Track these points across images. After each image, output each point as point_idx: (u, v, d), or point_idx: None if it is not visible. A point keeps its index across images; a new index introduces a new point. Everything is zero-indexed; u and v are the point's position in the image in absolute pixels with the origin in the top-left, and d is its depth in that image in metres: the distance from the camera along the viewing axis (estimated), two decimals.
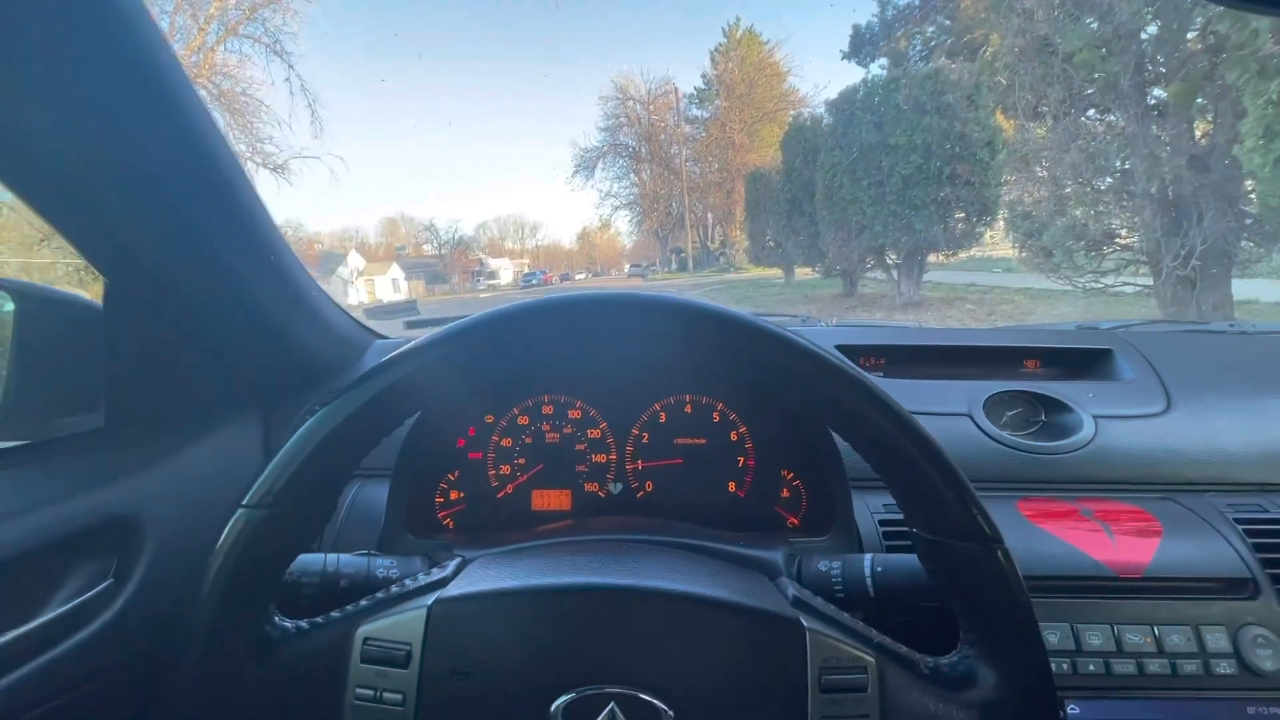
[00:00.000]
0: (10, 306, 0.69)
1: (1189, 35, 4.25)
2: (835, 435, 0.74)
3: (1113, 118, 4.93)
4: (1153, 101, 4.73)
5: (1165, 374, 0.93)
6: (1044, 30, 4.79)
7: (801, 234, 10.74)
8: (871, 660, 0.40)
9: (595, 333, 0.42)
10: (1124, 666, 0.62)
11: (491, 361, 0.42)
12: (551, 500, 0.79)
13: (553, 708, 0.38)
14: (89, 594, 0.57)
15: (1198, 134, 4.73)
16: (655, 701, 0.38)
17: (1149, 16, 4.40)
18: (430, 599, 0.41)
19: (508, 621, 0.40)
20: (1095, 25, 4.63)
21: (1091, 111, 5.12)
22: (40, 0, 0.41)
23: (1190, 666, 0.62)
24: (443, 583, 0.43)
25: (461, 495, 0.79)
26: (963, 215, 8.22)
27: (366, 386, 0.41)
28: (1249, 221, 4.60)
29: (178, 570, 0.65)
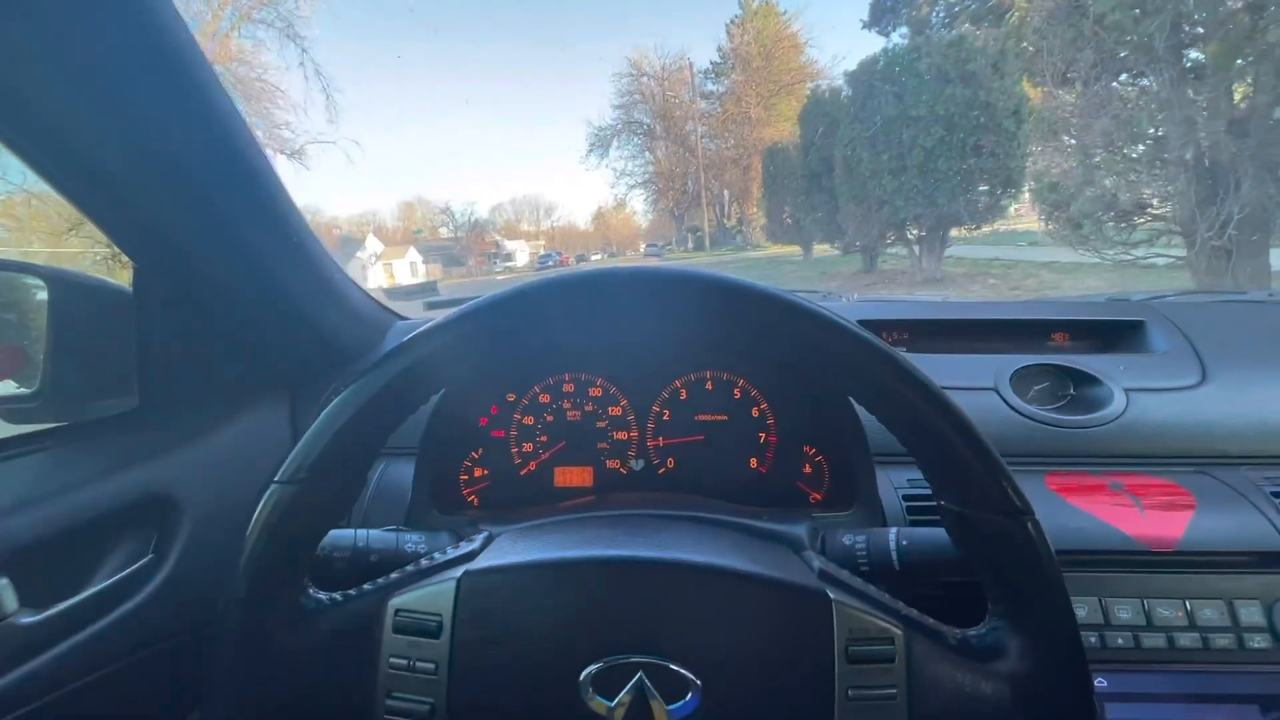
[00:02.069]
0: (44, 293, 0.71)
1: None
2: (859, 409, 0.74)
3: (1146, 82, 4.73)
4: (1189, 64, 4.52)
5: (1200, 345, 0.90)
6: None
7: (820, 210, 10.56)
8: (899, 632, 0.40)
9: (619, 308, 0.41)
10: (1154, 640, 0.62)
11: (517, 336, 0.42)
12: (574, 477, 0.80)
13: (581, 676, 0.39)
14: (131, 568, 0.60)
15: (1236, 97, 4.53)
16: (683, 671, 0.38)
17: None
18: (459, 571, 0.42)
19: (536, 593, 0.41)
20: None
21: (1124, 76, 4.93)
22: None
23: (1223, 640, 0.61)
24: (470, 556, 0.44)
25: (485, 472, 0.80)
26: (986, 188, 8.00)
27: (394, 362, 0.41)
28: None
29: (213, 546, 0.67)
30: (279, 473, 0.42)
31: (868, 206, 8.66)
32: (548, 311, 0.41)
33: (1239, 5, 4.17)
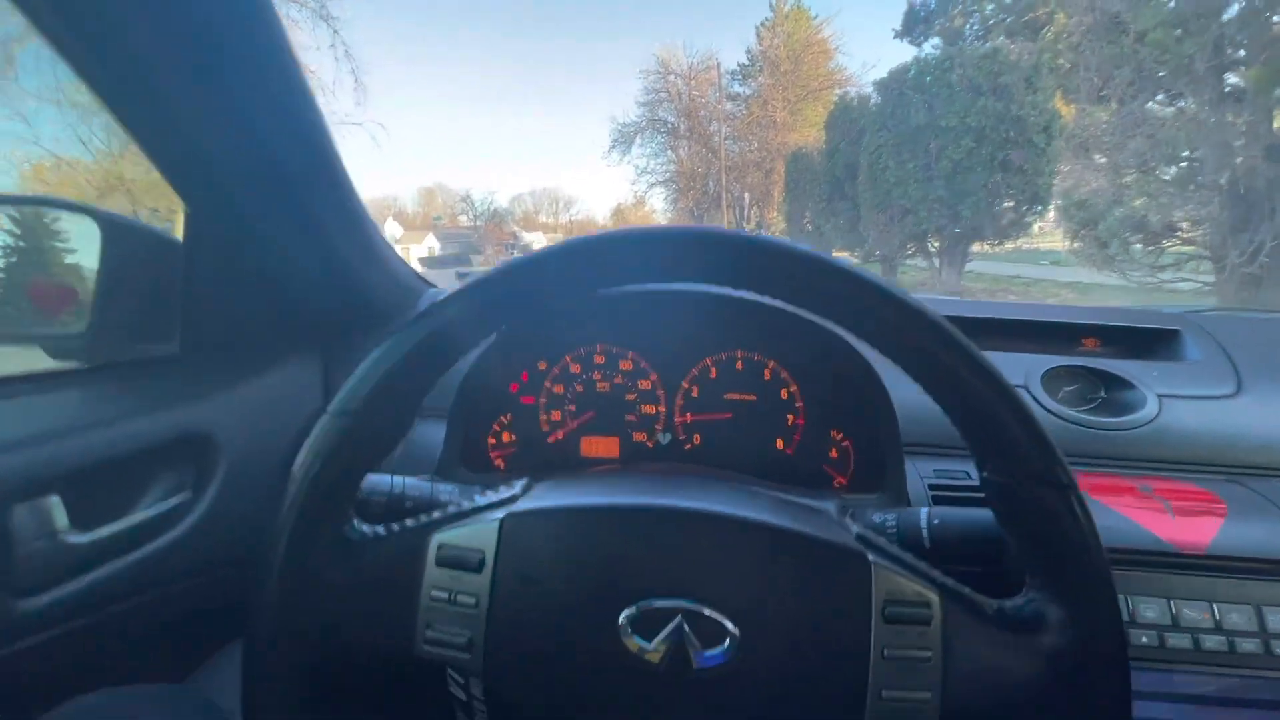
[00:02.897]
0: (99, 234, 0.73)
1: (1275, 17, 3.97)
2: (892, 394, 0.74)
3: (1184, 103, 4.66)
4: (1229, 87, 4.46)
5: (1236, 356, 0.89)
6: (1115, 7, 4.54)
7: (841, 216, 10.52)
8: (935, 598, 0.40)
9: (665, 265, 0.42)
10: (1179, 640, 0.61)
11: (574, 287, 0.42)
12: (600, 447, 0.80)
13: (620, 618, 0.39)
14: (170, 502, 0.61)
15: (1275, 123, 4.45)
16: (722, 619, 0.39)
17: None
18: (501, 513, 0.43)
19: (578, 536, 0.41)
20: (1172, 3, 4.37)
21: (1161, 96, 4.86)
22: None
23: (1249, 645, 0.61)
24: (513, 499, 0.45)
25: (513, 438, 0.81)
26: (1012, 204, 7.92)
27: (453, 304, 0.42)
28: None
29: (248, 487, 0.69)
30: (332, 404, 0.42)
31: (890, 215, 8.61)
32: (607, 264, 0.42)
33: None
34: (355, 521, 0.45)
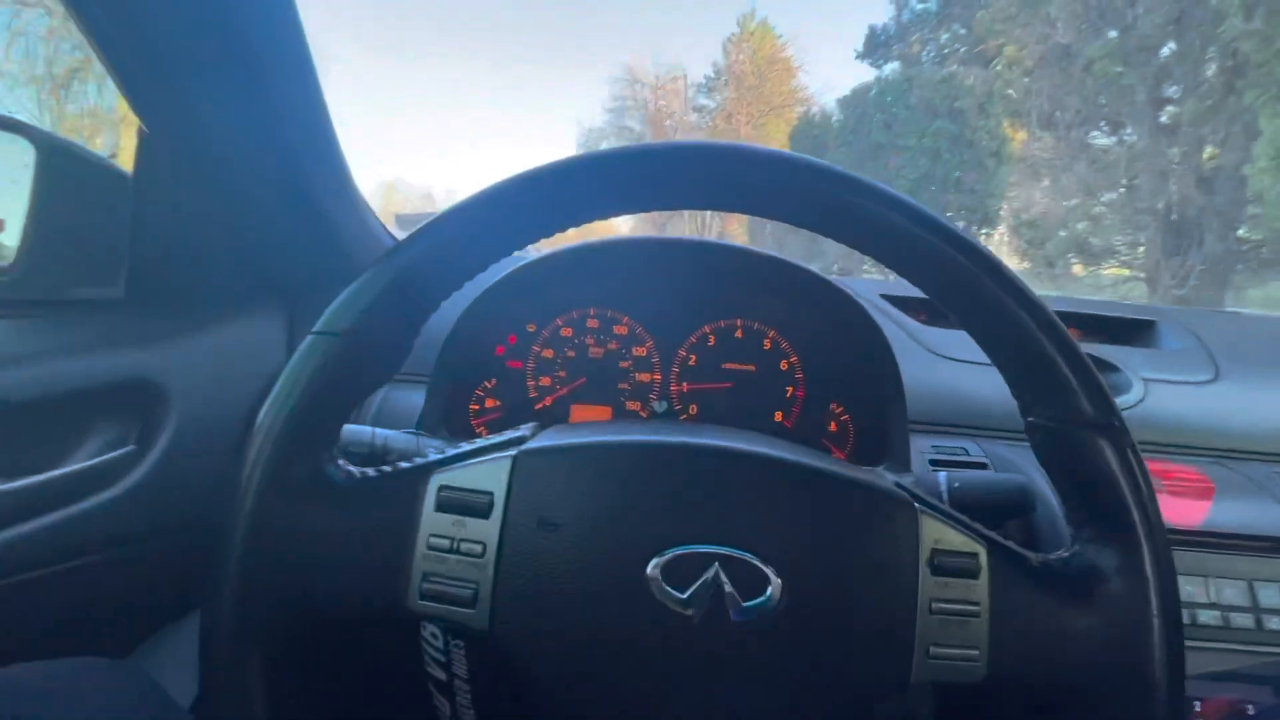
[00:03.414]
0: (34, 155, 0.64)
1: (1209, 52, 4.26)
2: (900, 366, 0.72)
3: (1125, 133, 4.95)
4: (1166, 119, 4.76)
5: (1212, 346, 0.92)
6: (1066, 38, 4.78)
7: (801, 231, 10.73)
8: (982, 549, 0.38)
9: (687, 182, 0.38)
10: None
11: (590, 207, 0.38)
12: (591, 416, 0.76)
13: (650, 566, 0.35)
14: (111, 454, 0.53)
15: (1205, 156, 4.78)
16: (763, 567, 0.35)
17: (1170, 32, 4.41)
18: (513, 451, 0.38)
19: (604, 474, 0.37)
20: (1116, 36, 4.63)
21: (1104, 125, 5.15)
22: None
23: (1242, 620, 0.61)
24: (522, 440, 0.40)
25: (498, 404, 0.75)
26: (964, 223, 8.26)
27: (456, 215, 0.37)
28: (1246, 248, 4.67)
29: (201, 447, 0.62)
30: (319, 323, 0.37)
31: None
32: (621, 181, 0.38)
33: (1215, 69, 4.40)
34: (340, 461, 0.39)
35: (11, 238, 0.64)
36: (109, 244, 0.67)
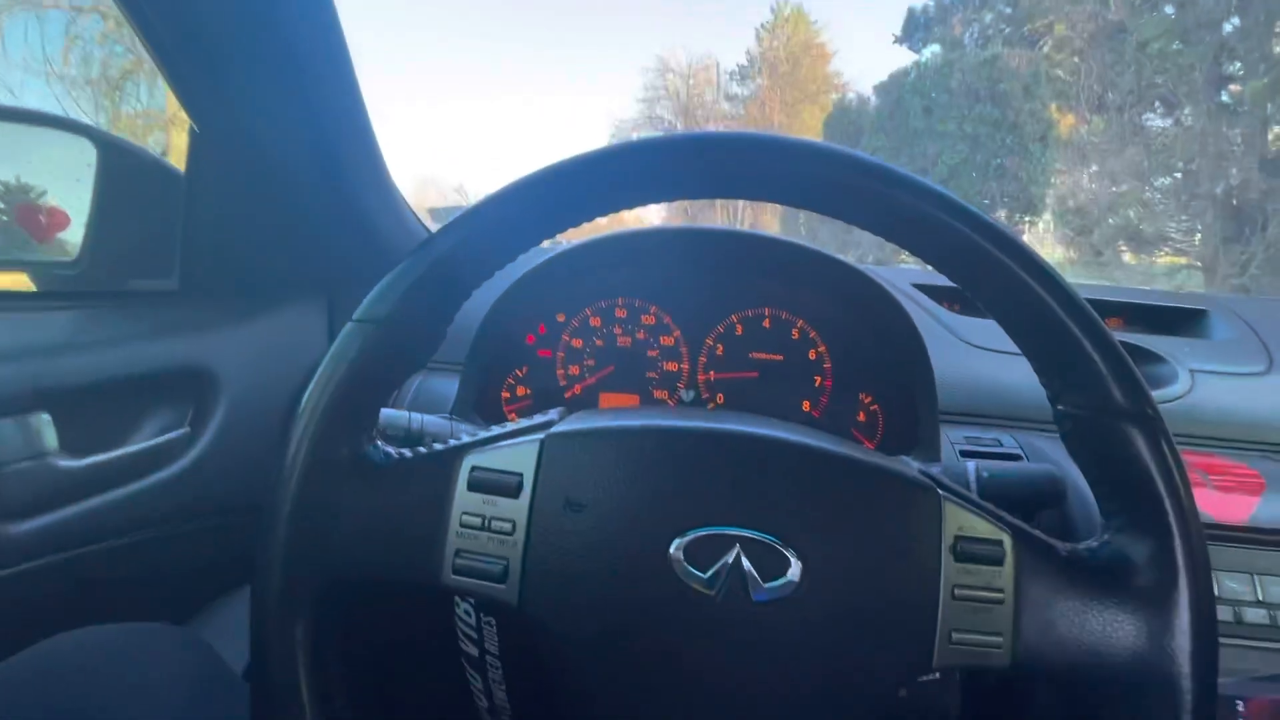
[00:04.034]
0: (95, 155, 0.68)
1: (1276, 26, 4.01)
2: (932, 356, 0.71)
3: (1181, 114, 4.70)
4: (1226, 99, 4.50)
5: (1266, 336, 0.88)
6: (1119, 15, 4.56)
7: (833, 220, 10.54)
8: (1007, 537, 0.37)
9: (713, 172, 0.38)
10: (1220, 612, 0.59)
11: (618, 197, 0.39)
12: (618, 403, 0.77)
13: (672, 548, 0.36)
14: (168, 435, 0.57)
15: (1271, 136, 4.51)
16: (783, 549, 0.36)
17: (1233, 6, 4.17)
18: (541, 434, 0.39)
19: (628, 458, 0.38)
20: (1173, 13, 4.40)
21: (1158, 106, 4.90)
22: None
23: None
24: (550, 424, 0.41)
25: (528, 391, 0.77)
26: (1005, 211, 7.98)
27: (488, 206, 0.38)
28: None
29: (250, 431, 0.65)
30: (358, 311, 0.39)
31: None
32: (655, 171, 0.38)
33: None
34: (378, 443, 0.41)
35: (75, 234, 0.69)
36: (164, 239, 0.70)
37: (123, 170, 0.70)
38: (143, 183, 0.71)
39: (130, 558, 0.54)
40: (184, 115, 0.64)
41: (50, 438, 0.47)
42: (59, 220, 0.69)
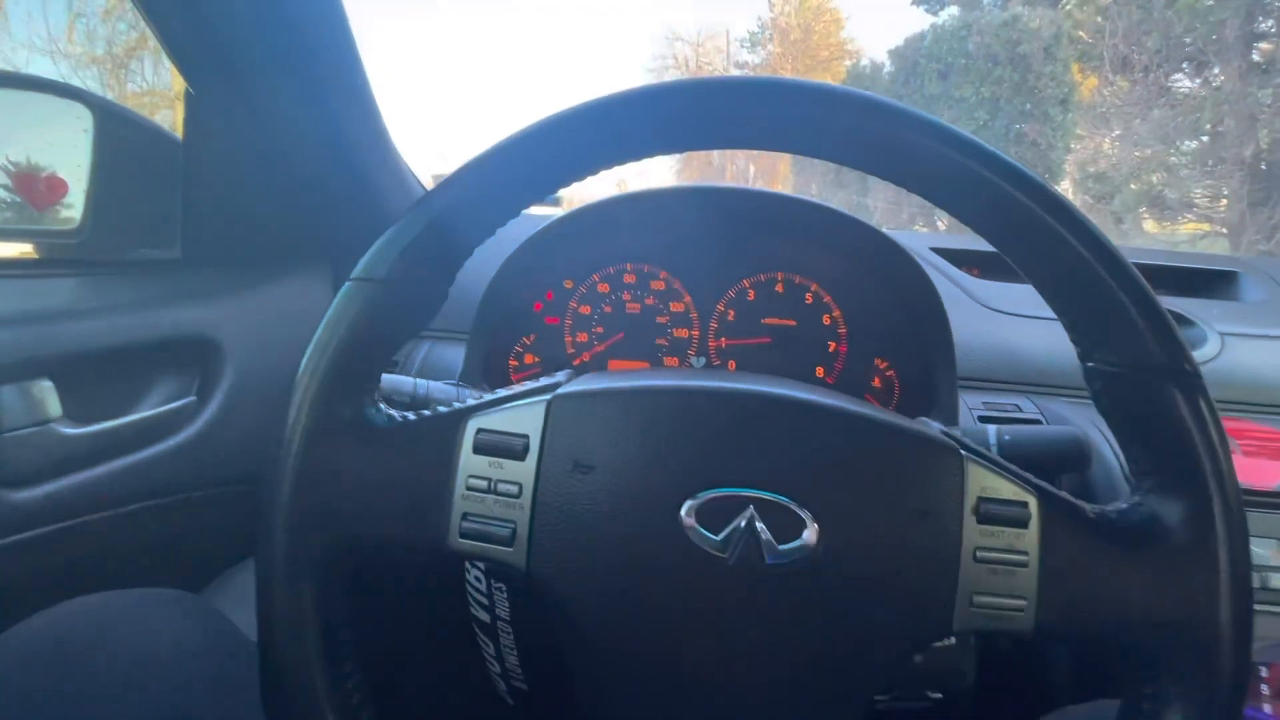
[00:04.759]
0: (90, 120, 0.67)
1: None
2: (950, 320, 0.69)
3: (1210, 74, 4.52)
4: (1258, 57, 4.31)
5: None
6: None
7: (849, 189, 10.34)
8: (1033, 498, 0.36)
9: (726, 118, 0.36)
10: None
11: (635, 145, 0.37)
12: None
13: (683, 509, 0.35)
14: (173, 405, 0.57)
15: None
16: (799, 511, 0.34)
17: None
18: (548, 395, 0.38)
19: (638, 418, 0.37)
20: None
21: (1186, 66, 4.71)
22: None
23: None
24: (556, 385, 0.40)
25: (536, 360, 0.76)
26: None
27: (489, 158, 0.37)
28: None
29: (256, 400, 0.65)
30: (356, 269, 0.38)
31: (899, 188, 8.46)
32: (672, 116, 0.36)
33: None
34: (381, 405, 0.40)
35: (74, 201, 0.68)
36: (165, 207, 0.69)
37: (121, 137, 0.68)
38: (142, 150, 0.70)
39: (140, 526, 0.54)
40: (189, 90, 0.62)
41: (54, 404, 0.46)
42: (57, 188, 0.68)
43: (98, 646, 0.40)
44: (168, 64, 0.60)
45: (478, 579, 0.60)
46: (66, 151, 0.67)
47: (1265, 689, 0.58)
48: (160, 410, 0.55)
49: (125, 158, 0.69)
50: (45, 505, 0.46)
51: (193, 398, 0.59)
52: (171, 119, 0.83)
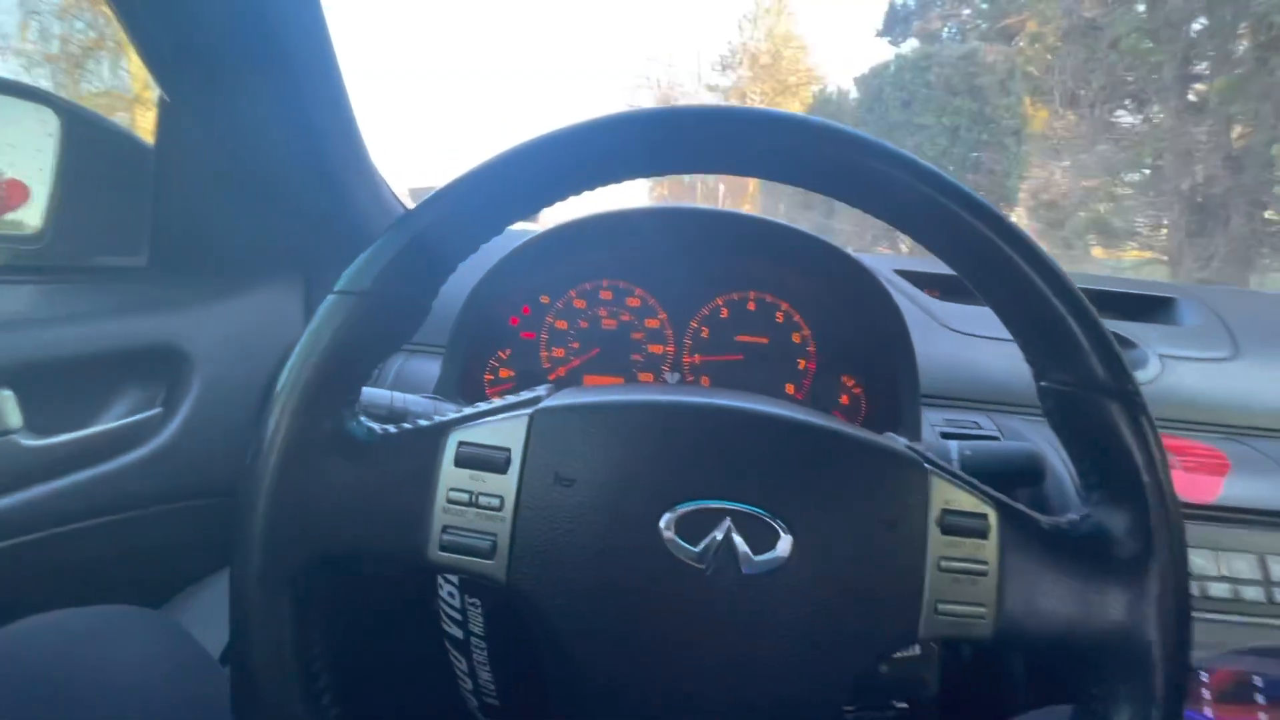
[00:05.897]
0: (56, 124, 0.65)
1: (1240, 27, 4.12)
2: (913, 340, 0.72)
3: (1150, 111, 4.82)
4: (1194, 97, 4.62)
5: (1231, 323, 0.91)
6: (1091, 12, 4.64)
7: (815, 210, 10.61)
8: (992, 511, 0.38)
9: (701, 145, 0.38)
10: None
11: (617, 168, 0.39)
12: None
13: (663, 520, 0.36)
14: (140, 415, 0.55)
15: (1234, 135, 4.64)
16: (773, 522, 0.36)
17: (1201, 6, 4.27)
18: (530, 409, 0.39)
19: (619, 432, 0.37)
20: (1144, 10, 4.49)
21: (1128, 102, 5.01)
22: None
23: (1252, 592, 0.62)
24: (538, 399, 0.40)
25: (512, 374, 0.76)
26: None
27: (474, 177, 0.38)
28: (1273, 230, 4.55)
29: (224, 413, 0.63)
30: (340, 282, 0.38)
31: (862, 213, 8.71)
32: (647, 144, 0.38)
33: (1247, 45, 4.25)
34: (361, 418, 0.40)
35: (35, 208, 0.66)
36: (131, 213, 0.68)
37: (88, 142, 0.67)
38: (109, 156, 0.69)
39: (102, 540, 0.52)
40: (149, 95, 0.61)
41: (13, 414, 0.45)
42: (17, 193, 0.66)
43: (56, 666, 0.38)
44: (125, 65, 0.60)
45: (451, 595, 0.60)
46: (29, 155, 0.66)
47: (1207, 693, 0.62)
48: (125, 422, 0.53)
49: (91, 163, 0.67)
50: (4, 519, 0.45)
51: (159, 409, 0.58)
52: (130, 121, 0.82)
